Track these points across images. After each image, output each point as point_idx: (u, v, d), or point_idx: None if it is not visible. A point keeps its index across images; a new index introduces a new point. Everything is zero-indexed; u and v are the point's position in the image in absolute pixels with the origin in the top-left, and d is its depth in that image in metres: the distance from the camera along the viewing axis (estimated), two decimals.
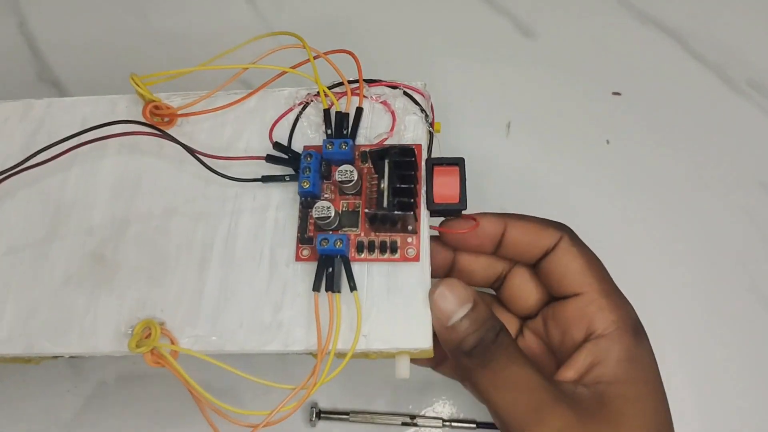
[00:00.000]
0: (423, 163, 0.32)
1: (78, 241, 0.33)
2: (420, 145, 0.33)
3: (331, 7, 0.52)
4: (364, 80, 0.34)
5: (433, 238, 0.32)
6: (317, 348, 0.30)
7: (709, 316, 0.42)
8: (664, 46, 0.49)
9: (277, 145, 0.33)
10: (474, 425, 0.40)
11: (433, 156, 0.32)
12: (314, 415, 0.41)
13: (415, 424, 0.41)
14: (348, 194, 0.32)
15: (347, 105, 0.34)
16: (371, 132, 0.33)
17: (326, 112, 0.33)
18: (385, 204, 0.29)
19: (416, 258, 0.31)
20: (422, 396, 0.42)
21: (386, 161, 0.29)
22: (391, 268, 0.31)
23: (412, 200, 0.29)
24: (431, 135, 0.34)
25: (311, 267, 0.31)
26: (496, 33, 0.50)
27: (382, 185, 0.30)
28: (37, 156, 0.32)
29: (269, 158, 0.33)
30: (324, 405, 0.42)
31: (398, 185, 0.29)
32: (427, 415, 0.41)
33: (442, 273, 0.35)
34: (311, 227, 0.32)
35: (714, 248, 0.43)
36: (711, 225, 0.44)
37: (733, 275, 0.43)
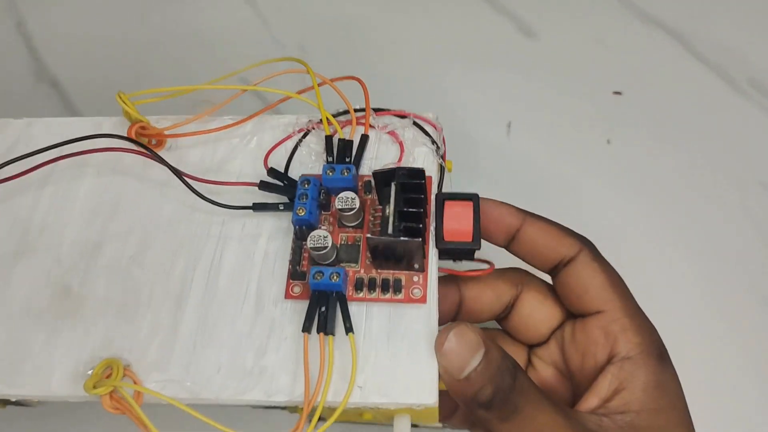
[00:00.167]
0: (432, 198, 0.29)
1: (43, 269, 0.29)
2: (430, 177, 0.29)
3: (331, 7, 0.51)
4: (372, 109, 0.31)
5: (439, 280, 0.29)
6: (304, 398, 0.25)
7: (709, 315, 0.41)
8: (665, 46, 0.49)
9: (272, 172, 0.30)
10: None
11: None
12: None
13: None
14: (348, 226, 0.29)
15: (351, 133, 0.31)
16: (377, 163, 0.30)
17: (328, 139, 0.30)
18: (390, 230, 0.25)
19: (422, 299, 0.27)
20: None
21: (393, 184, 0.26)
22: (393, 310, 0.27)
23: (420, 225, 0.26)
24: (442, 169, 0.30)
25: (302, 306, 0.27)
26: (497, 33, 0.50)
27: (387, 211, 0.26)
28: (9, 167, 0.29)
29: (262, 185, 0.30)
30: None
31: (405, 209, 0.26)
32: None
33: (448, 318, 0.32)
34: (305, 261, 0.28)
35: (714, 248, 0.43)
36: (711, 224, 0.43)
37: (733, 275, 0.42)
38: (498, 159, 0.45)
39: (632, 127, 0.46)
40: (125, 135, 0.30)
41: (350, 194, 0.28)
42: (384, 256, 0.27)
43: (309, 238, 0.27)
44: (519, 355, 0.33)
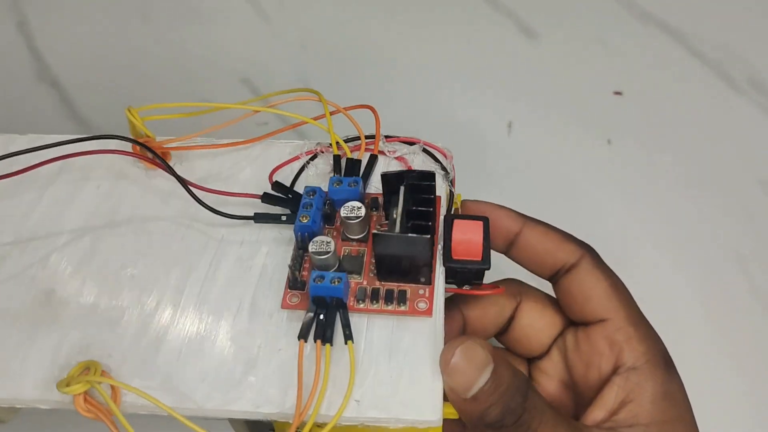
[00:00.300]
0: (441, 219, 0.28)
1: (27, 273, 0.28)
2: (440, 197, 0.29)
3: (332, 7, 0.52)
4: (383, 135, 0.31)
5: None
6: (296, 407, 0.23)
7: (709, 315, 0.40)
8: (665, 46, 0.50)
9: (276, 185, 0.29)
10: None
11: None
12: None
13: None
14: (352, 239, 0.27)
15: (360, 154, 0.30)
16: None
17: (336, 158, 0.30)
18: (397, 228, 0.24)
19: (428, 312, 0.25)
20: None
21: (402, 187, 0.25)
22: (396, 323, 0.26)
23: (429, 223, 0.24)
24: (452, 195, 0.30)
25: (298, 317, 0.26)
26: (498, 34, 0.51)
27: (395, 214, 0.25)
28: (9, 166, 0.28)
29: (266, 197, 0.29)
30: None
31: (414, 207, 0.25)
32: None
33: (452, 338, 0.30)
34: (306, 272, 0.27)
35: (714, 247, 0.42)
36: (711, 224, 0.43)
37: (733, 274, 0.41)
38: (498, 159, 0.45)
39: (632, 127, 0.47)
40: (132, 144, 0.30)
41: (356, 203, 0.27)
42: (390, 264, 0.25)
43: (311, 243, 0.26)
44: (520, 369, 0.31)
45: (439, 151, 0.31)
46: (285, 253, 0.28)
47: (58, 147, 0.28)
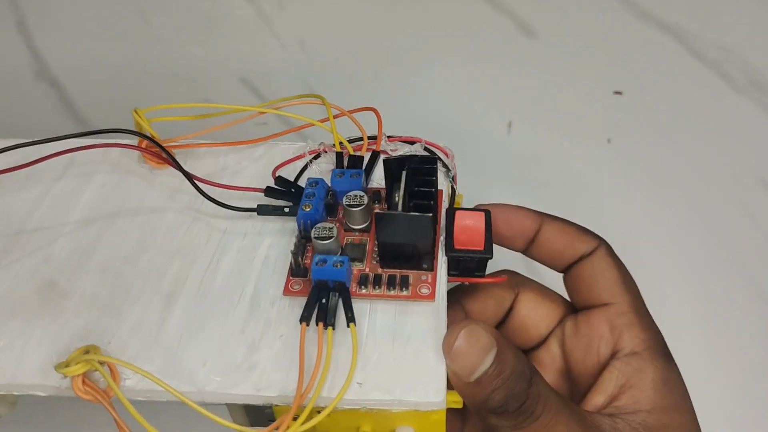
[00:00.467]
0: (443, 212, 0.28)
1: (30, 264, 0.28)
2: (441, 190, 0.29)
3: (332, 7, 0.52)
4: (385, 135, 0.31)
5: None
6: (297, 388, 0.23)
7: (709, 314, 0.40)
8: (665, 45, 0.50)
9: (279, 180, 0.29)
10: None
11: None
12: None
13: None
14: (354, 229, 0.27)
15: (362, 152, 0.31)
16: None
17: (339, 155, 0.30)
18: (399, 208, 0.24)
19: (431, 296, 0.25)
20: None
21: (404, 171, 0.25)
22: (399, 308, 0.25)
23: (431, 202, 0.25)
24: (453, 192, 0.30)
25: (300, 304, 0.25)
26: (497, 32, 0.51)
27: (396, 197, 0.25)
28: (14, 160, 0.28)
29: (269, 191, 0.29)
30: None
31: (416, 188, 0.25)
32: None
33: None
34: (308, 260, 0.27)
35: (714, 246, 0.42)
36: (711, 223, 0.43)
37: (733, 273, 0.41)
38: (499, 158, 0.45)
39: (632, 127, 0.47)
40: (134, 157, 0.31)
41: (359, 192, 0.27)
42: (392, 250, 0.25)
43: (314, 229, 0.26)
44: None
45: (440, 149, 0.31)
46: (287, 245, 0.28)
47: (64, 140, 0.29)
